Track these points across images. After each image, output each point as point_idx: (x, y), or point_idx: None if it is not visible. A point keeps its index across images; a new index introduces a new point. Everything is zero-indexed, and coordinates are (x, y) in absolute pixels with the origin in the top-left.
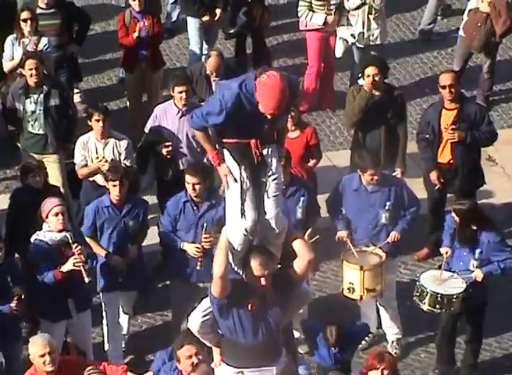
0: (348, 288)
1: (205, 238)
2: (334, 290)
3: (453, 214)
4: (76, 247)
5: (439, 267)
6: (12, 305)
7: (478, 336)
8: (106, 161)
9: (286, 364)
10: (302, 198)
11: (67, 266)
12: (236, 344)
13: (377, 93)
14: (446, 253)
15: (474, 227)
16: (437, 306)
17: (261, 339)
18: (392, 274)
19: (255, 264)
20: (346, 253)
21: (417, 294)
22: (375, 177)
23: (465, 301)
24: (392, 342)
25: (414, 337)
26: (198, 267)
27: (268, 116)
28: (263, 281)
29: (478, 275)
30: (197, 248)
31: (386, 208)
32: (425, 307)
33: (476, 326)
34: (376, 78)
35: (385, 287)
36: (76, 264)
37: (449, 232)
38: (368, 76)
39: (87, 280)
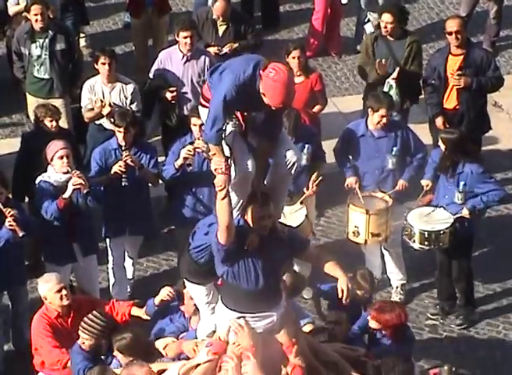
0: (353, 232)
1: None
2: (339, 235)
3: (440, 142)
4: (75, 172)
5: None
6: (7, 223)
7: (466, 272)
8: (110, 105)
9: (286, 309)
10: (307, 145)
11: (68, 191)
12: (238, 289)
13: (392, 39)
14: (427, 185)
15: (456, 159)
16: (426, 243)
17: (262, 284)
18: (398, 220)
19: (256, 204)
20: (352, 197)
21: (407, 233)
22: (384, 120)
23: (453, 235)
24: (397, 288)
25: (419, 282)
26: (188, 168)
27: (273, 108)
28: (262, 220)
29: (465, 213)
30: (189, 150)
31: (393, 153)
32: (416, 245)
33: (463, 261)
34: (388, 26)
35: (390, 232)
36: (74, 184)
37: (433, 166)
38: (382, 21)
39: (85, 191)
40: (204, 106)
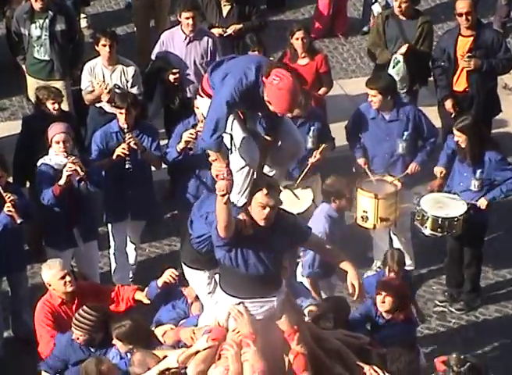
0: (362, 217)
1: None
2: (346, 221)
3: (459, 134)
4: (70, 158)
5: (439, 188)
6: (6, 209)
7: (477, 259)
8: (109, 92)
9: (287, 295)
10: (312, 128)
11: (63, 177)
12: (236, 274)
13: (403, 18)
14: (441, 173)
15: (481, 145)
16: (439, 230)
17: (261, 269)
18: (408, 205)
19: (261, 194)
20: (361, 181)
21: (419, 218)
22: (374, 99)
23: (466, 223)
24: None
25: (427, 268)
26: (191, 152)
27: (279, 115)
28: (267, 211)
29: (483, 203)
30: (191, 133)
31: (404, 138)
32: (427, 231)
33: (476, 248)
34: (403, 5)
35: (398, 216)
36: (68, 170)
37: (447, 152)
38: (396, 1)
39: (78, 177)
40: (202, 97)
